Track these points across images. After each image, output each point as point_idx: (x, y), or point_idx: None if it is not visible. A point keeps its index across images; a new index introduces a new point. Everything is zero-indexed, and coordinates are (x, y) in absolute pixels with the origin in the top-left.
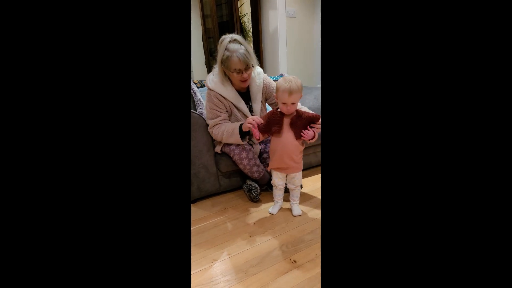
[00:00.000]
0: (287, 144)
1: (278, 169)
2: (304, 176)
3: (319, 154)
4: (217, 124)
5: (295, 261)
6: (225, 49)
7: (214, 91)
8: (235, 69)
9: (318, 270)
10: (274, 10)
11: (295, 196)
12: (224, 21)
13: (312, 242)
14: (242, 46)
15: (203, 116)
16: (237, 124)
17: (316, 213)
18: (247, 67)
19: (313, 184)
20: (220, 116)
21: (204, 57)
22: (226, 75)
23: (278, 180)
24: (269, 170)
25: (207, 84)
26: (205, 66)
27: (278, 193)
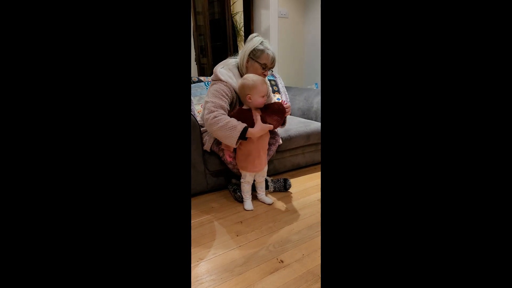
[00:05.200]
0: (261, 141)
1: (257, 170)
2: (292, 177)
3: (307, 155)
4: (218, 111)
5: (282, 261)
6: (260, 43)
7: (227, 83)
8: (265, 63)
9: (305, 270)
10: (266, 9)
11: (263, 187)
12: (215, 18)
13: (299, 242)
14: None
15: (191, 113)
16: (242, 126)
17: (304, 214)
18: (272, 67)
19: (301, 185)
20: (224, 107)
21: (194, 54)
22: (247, 66)
23: (249, 177)
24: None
25: (218, 76)
26: (195, 63)
27: (248, 188)
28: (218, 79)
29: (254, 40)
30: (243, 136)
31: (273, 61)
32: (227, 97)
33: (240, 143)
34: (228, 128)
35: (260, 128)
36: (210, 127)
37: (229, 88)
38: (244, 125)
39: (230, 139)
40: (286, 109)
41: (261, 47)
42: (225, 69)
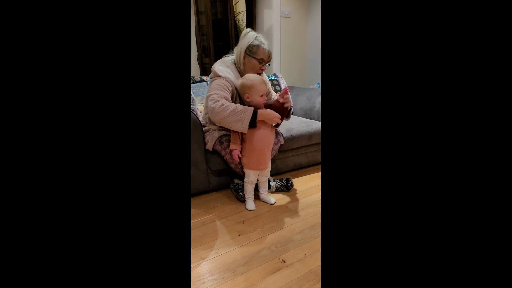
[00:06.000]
0: (266, 138)
1: (262, 167)
2: (294, 177)
3: (309, 154)
4: (224, 100)
5: (284, 261)
6: (255, 39)
7: (226, 78)
8: (261, 58)
9: (307, 270)
10: (269, 9)
11: (265, 187)
12: (218, 18)
13: (301, 242)
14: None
15: (194, 112)
16: (251, 108)
17: (306, 213)
18: (268, 60)
19: (303, 185)
20: (228, 98)
21: (197, 53)
22: (243, 62)
23: (253, 176)
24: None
25: (217, 73)
26: (197, 62)
27: (251, 188)
28: (218, 76)
29: (249, 36)
30: (253, 121)
31: (269, 55)
32: (228, 90)
33: (245, 139)
34: (238, 112)
35: (270, 111)
36: (219, 114)
37: (229, 83)
38: (253, 108)
39: (242, 122)
40: (285, 101)
41: (256, 42)
42: (223, 66)
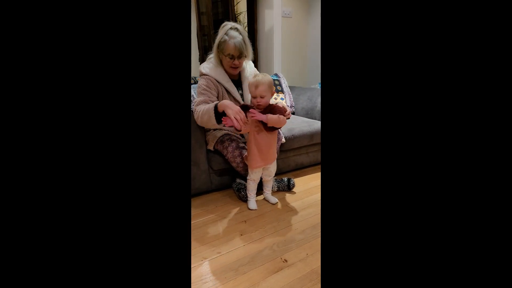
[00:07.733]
0: (260, 137)
1: (258, 165)
2: (295, 176)
3: (310, 154)
4: (197, 104)
5: (286, 260)
6: (225, 34)
7: (208, 75)
8: (229, 53)
9: (308, 269)
10: (270, 9)
11: (270, 186)
12: (219, 18)
13: (303, 241)
14: (241, 36)
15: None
16: (213, 104)
17: (308, 213)
18: (240, 55)
19: (304, 184)
20: (205, 100)
21: (198, 54)
22: (220, 59)
23: (255, 174)
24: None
25: (201, 71)
26: (198, 63)
27: (253, 187)
28: (202, 74)
29: (221, 32)
30: (218, 115)
31: (238, 49)
32: (208, 89)
33: (250, 138)
34: (205, 112)
35: (229, 103)
36: (197, 121)
37: (210, 80)
38: (216, 102)
39: (210, 120)
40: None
41: (225, 37)
42: (207, 63)
